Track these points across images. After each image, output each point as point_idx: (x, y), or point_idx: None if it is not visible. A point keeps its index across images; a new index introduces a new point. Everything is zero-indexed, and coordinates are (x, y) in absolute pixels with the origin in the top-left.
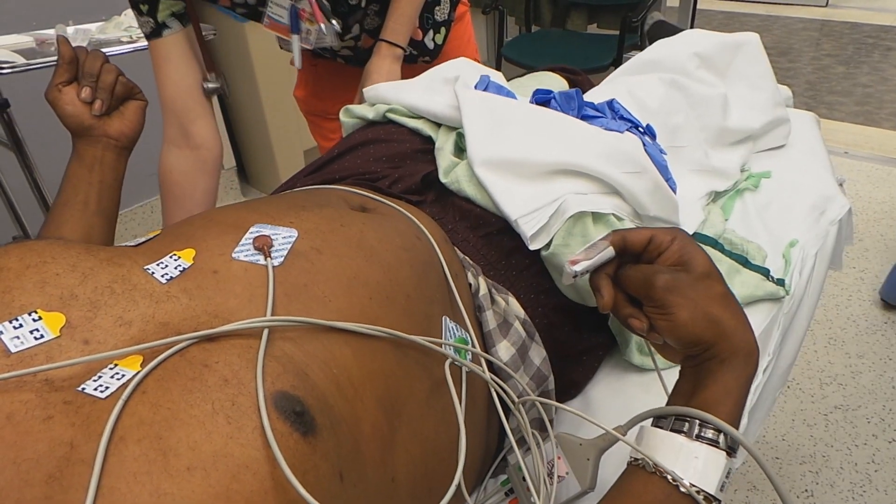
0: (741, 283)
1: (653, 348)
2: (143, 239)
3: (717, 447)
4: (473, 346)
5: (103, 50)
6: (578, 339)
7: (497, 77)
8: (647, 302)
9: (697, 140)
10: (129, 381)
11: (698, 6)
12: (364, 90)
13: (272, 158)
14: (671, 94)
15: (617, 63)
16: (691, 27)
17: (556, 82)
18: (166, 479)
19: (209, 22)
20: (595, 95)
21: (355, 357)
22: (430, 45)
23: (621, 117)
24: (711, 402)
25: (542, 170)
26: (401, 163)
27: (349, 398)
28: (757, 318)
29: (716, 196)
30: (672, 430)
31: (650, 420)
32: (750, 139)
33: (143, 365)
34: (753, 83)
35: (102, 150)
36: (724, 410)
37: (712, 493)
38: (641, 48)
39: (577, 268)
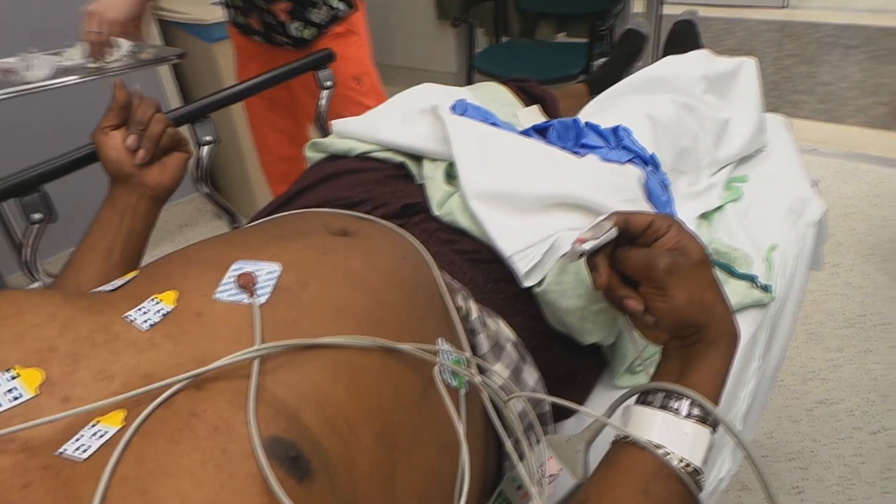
0: (730, 293)
1: (636, 333)
2: (120, 282)
3: (704, 424)
4: (469, 364)
5: (69, 79)
6: (570, 359)
7: (464, 94)
8: (646, 283)
9: (697, 165)
10: (111, 439)
11: (663, 12)
12: (333, 124)
13: (246, 179)
14: (682, 116)
15: (587, 71)
16: (656, 32)
17: (503, 96)
18: None
19: (177, 45)
20: (608, 117)
21: (349, 393)
22: (295, 33)
23: (624, 147)
24: (700, 382)
25: (536, 203)
26: (375, 188)
27: (344, 438)
28: (744, 324)
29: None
30: (661, 408)
31: (632, 400)
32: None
33: (126, 420)
34: (747, 104)
35: (137, 199)
36: (712, 390)
37: (699, 465)
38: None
39: (586, 246)
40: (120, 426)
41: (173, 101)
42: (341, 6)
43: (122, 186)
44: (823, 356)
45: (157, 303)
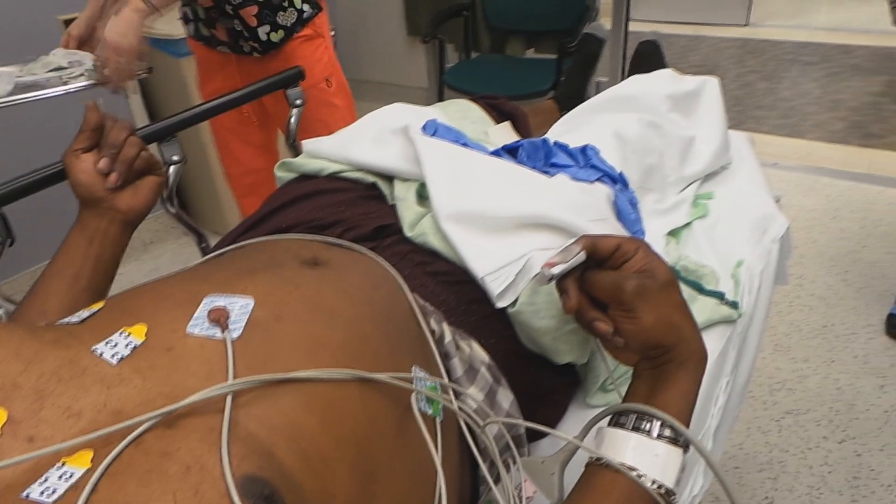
0: (699, 310)
1: (606, 352)
2: (87, 313)
3: (675, 445)
4: (444, 389)
5: (34, 94)
6: (545, 379)
7: (434, 114)
8: (615, 305)
9: (663, 183)
10: (79, 481)
11: (630, 28)
12: (304, 144)
13: (215, 195)
14: (648, 134)
15: (556, 87)
16: (624, 48)
17: (474, 113)
18: None
19: (143, 59)
20: (576, 136)
21: (323, 426)
22: (263, 37)
23: (592, 166)
24: (670, 402)
25: (507, 223)
26: (347, 209)
27: (319, 472)
28: (713, 341)
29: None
30: (633, 430)
31: (605, 422)
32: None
33: (94, 460)
34: (711, 122)
35: (108, 224)
36: (682, 411)
37: (671, 487)
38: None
39: (555, 270)
40: (87, 467)
41: (140, 116)
42: (306, 7)
43: (91, 211)
44: (790, 367)
45: (126, 336)
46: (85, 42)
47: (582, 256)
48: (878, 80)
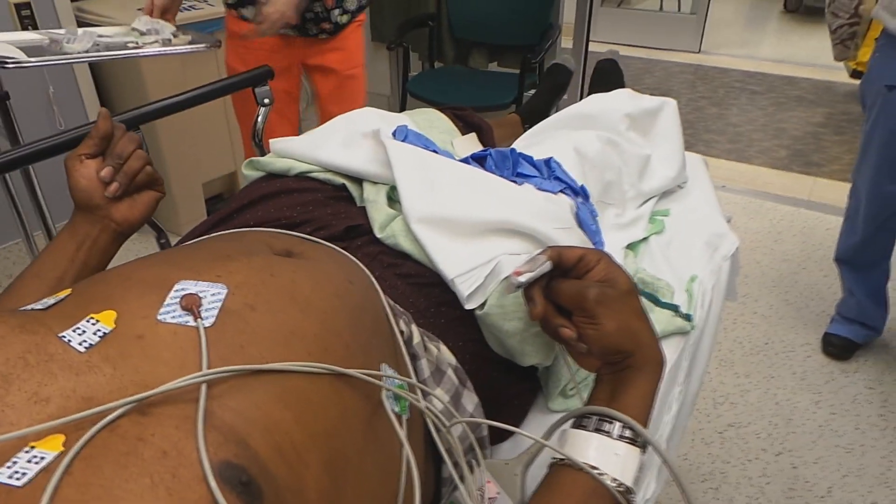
0: (655, 321)
1: (570, 358)
2: (53, 300)
3: (634, 445)
4: (412, 389)
5: (108, 53)
6: (509, 383)
7: (404, 121)
8: (578, 312)
9: (623, 198)
10: (50, 464)
11: (590, 48)
12: (272, 143)
13: (170, 195)
14: (607, 150)
15: (518, 101)
16: (584, 68)
17: (442, 123)
18: None
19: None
20: (539, 150)
21: (297, 419)
22: (336, 19)
23: (556, 178)
24: (630, 405)
25: (477, 228)
26: (315, 209)
27: (292, 465)
28: (668, 351)
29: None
30: (595, 431)
31: (569, 424)
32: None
33: (66, 444)
34: (669, 142)
35: (99, 231)
36: (640, 413)
37: (630, 485)
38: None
39: (522, 279)
40: (60, 451)
41: (91, 108)
42: None
43: (86, 216)
44: (733, 381)
45: (94, 323)
46: (167, 10)
47: (548, 266)
48: (820, 112)
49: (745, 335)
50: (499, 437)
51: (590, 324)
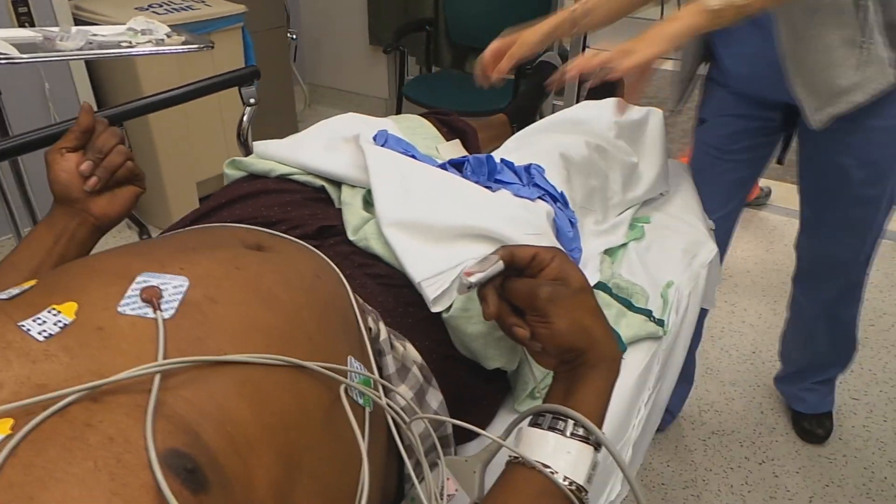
0: (627, 325)
1: (530, 356)
2: (17, 290)
3: (587, 443)
4: (375, 384)
5: (99, 51)
6: (476, 384)
7: (388, 125)
8: (530, 311)
9: (605, 205)
10: None
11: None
12: (255, 145)
13: (162, 191)
14: (594, 157)
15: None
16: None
17: (426, 129)
18: None
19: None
20: (526, 153)
21: (252, 411)
22: None
23: (535, 184)
24: (583, 402)
25: (447, 233)
26: (293, 209)
27: (243, 456)
28: (638, 355)
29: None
30: (549, 429)
31: (527, 422)
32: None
33: (14, 428)
34: (654, 151)
35: (77, 225)
36: (594, 410)
37: (582, 483)
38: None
39: (472, 279)
40: (7, 433)
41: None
42: None
43: (64, 209)
44: (718, 389)
45: (55, 313)
46: None
47: (500, 265)
48: None
49: (732, 344)
50: (465, 436)
51: (542, 322)
